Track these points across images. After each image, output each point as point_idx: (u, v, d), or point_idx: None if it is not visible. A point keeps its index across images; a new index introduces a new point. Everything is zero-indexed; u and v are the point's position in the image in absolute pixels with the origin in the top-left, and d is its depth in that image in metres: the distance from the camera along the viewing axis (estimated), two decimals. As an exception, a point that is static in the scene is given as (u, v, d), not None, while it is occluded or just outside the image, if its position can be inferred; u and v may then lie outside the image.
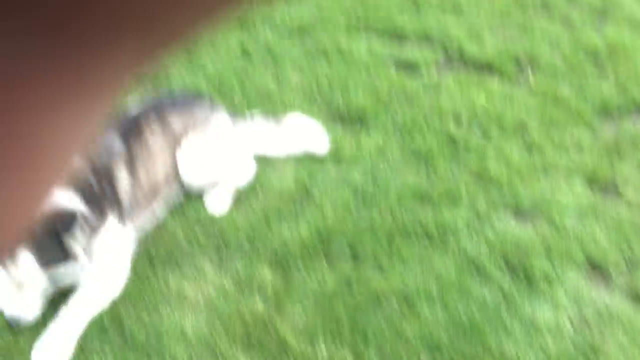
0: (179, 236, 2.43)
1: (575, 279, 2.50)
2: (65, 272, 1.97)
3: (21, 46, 0.17)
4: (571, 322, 2.31)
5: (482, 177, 2.96)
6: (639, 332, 2.31)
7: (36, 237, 1.86)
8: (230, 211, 2.58)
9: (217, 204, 2.55)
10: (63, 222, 1.89)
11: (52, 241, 1.88)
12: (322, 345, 2.09)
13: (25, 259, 1.88)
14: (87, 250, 1.98)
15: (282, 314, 2.18)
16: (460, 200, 2.81)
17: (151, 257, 2.33)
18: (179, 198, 2.63)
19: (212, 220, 2.52)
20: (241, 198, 2.65)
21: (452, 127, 3.26)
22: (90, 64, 0.18)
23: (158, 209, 2.46)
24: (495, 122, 3.33)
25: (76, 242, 1.92)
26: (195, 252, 2.38)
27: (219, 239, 2.45)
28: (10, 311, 1.94)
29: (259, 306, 2.19)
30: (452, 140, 3.18)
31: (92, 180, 2.08)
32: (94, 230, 2.01)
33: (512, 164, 3.06)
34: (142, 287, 2.22)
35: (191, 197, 2.67)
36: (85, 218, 1.96)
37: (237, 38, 3.67)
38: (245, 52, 3.57)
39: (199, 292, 2.22)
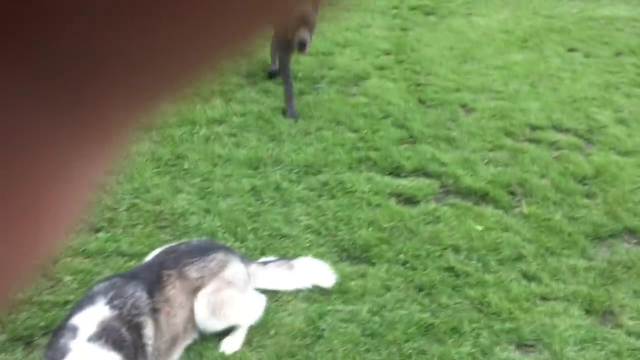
0: (197, 380, 2.56)
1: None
2: None
3: (24, 96, 0.17)
4: None
5: (484, 309, 3.11)
6: None
7: None
8: (244, 351, 2.72)
9: (231, 345, 2.71)
10: None
11: None
12: None
13: None
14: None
15: None
16: (464, 334, 2.94)
17: (170, 403, 2.45)
18: (196, 339, 2.78)
19: (227, 359, 2.66)
20: (254, 336, 2.80)
21: (452, 258, 3.45)
22: (90, 113, 0.19)
23: (177, 356, 2.61)
24: (492, 251, 3.52)
25: None
26: (212, 397, 2.50)
27: (234, 382, 2.57)
28: None
29: None
30: (453, 272, 3.36)
31: (122, 332, 2.26)
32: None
33: (511, 294, 3.22)
34: None
35: (207, 337, 2.82)
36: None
37: (248, 179, 3.97)
38: (256, 192, 3.85)
39: None
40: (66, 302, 2.82)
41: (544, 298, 3.23)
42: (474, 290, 3.23)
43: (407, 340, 2.87)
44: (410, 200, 4.00)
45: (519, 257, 3.51)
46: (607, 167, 4.41)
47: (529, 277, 3.37)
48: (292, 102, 4.76)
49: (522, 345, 2.93)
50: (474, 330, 2.96)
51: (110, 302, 2.35)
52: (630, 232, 3.81)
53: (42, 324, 2.69)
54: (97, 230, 3.38)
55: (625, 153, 4.65)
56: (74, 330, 2.21)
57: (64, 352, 2.13)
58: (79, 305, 2.36)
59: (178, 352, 2.61)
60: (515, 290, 3.25)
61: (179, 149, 4.20)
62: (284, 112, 4.75)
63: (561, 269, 3.44)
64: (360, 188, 4.01)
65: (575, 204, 4.01)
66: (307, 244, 3.46)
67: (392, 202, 3.94)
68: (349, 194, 3.95)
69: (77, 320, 2.26)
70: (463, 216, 3.84)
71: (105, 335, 2.22)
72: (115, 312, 2.32)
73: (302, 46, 4.28)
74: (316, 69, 5.57)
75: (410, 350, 2.82)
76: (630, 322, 3.09)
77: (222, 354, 2.69)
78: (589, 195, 4.13)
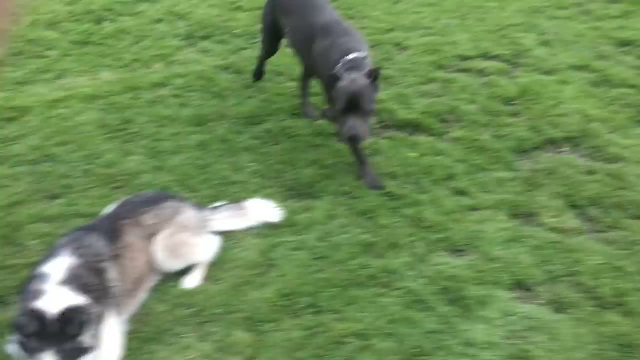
0: (161, 313, 2.83)
1: (504, 298, 2.94)
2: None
3: None
4: (502, 336, 2.73)
5: (419, 224, 3.43)
6: (563, 337, 2.73)
7: (55, 340, 2.26)
8: (204, 286, 3.00)
9: (191, 281, 2.99)
10: (76, 324, 2.30)
11: (72, 342, 2.30)
12: (295, 388, 2.48)
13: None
14: (94, 335, 2.38)
15: (258, 367, 2.57)
16: (402, 247, 3.26)
17: (139, 335, 2.72)
18: (158, 280, 3.05)
19: (189, 294, 2.94)
20: (212, 272, 3.08)
21: (389, 184, 3.75)
22: None
23: (142, 296, 2.87)
24: (426, 174, 3.84)
25: (89, 336, 2.33)
26: (178, 327, 2.78)
27: (197, 312, 2.85)
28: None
29: (238, 363, 2.58)
30: (391, 196, 3.67)
31: (87, 276, 2.50)
32: (96, 318, 2.41)
33: (444, 208, 3.55)
34: (135, 364, 2.60)
35: (169, 277, 3.08)
36: (89, 312, 2.36)
37: (195, 135, 4.17)
38: (203, 147, 4.06)
39: (184, 360, 2.61)
40: (34, 264, 3.03)
41: (474, 209, 3.57)
42: (410, 209, 3.55)
43: (351, 259, 3.19)
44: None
45: (451, 176, 3.83)
46: (530, 87, 4.73)
47: (459, 193, 3.70)
48: (368, 170, 3.79)
49: (454, 250, 3.27)
50: (410, 242, 3.29)
51: (74, 252, 2.59)
52: (552, 142, 4.15)
53: (13, 284, 2.91)
54: (55, 197, 3.57)
55: (548, 72, 4.97)
56: (45, 276, 2.45)
57: (38, 295, 2.37)
58: (47, 257, 2.59)
59: (143, 292, 2.88)
60: (447, 205, 3.58)
61: (126, 114, 4.36)
62: (370, 186, 3.74)
63: (489, 182, 3.78)
64: (303, 132, 4.25)
65: (501, 123, 4.33)
66: (256, 188, 3.71)
67: (334, 141, 4.20)
68: (292, 138, 4.20)
69: (46, 268, 2.50)
70: (399, 146, 4.13)
71: (74, 279, 2.46)
72: (80, 260, 2.56)
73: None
74: (255, 24, 5.70)
75: (354, 266, 3.13)
76: (550, 220, 3.46)
77: (185, 289, 2.97)
78: (514, 114, 4.45)
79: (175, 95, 4.64)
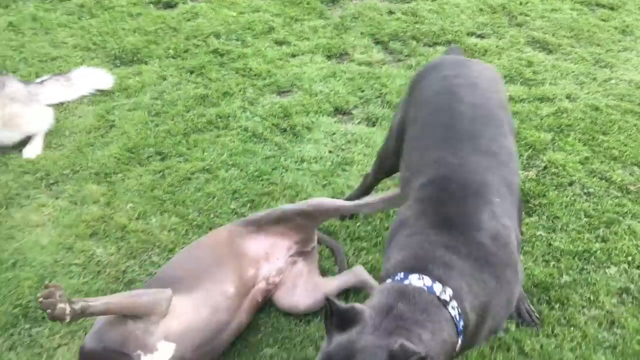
0: (10, 182, 2.87)
1: (328, 122, 3.37)
2: None
3: None
4: (328, 150, 3.18)
5: (247, 73, 3.71)
6: (374, 142, 3.24)
7: None
8: (46, 153, 3.06)
9: (31, 150, 3.03)
10: None
11: None
12: (154, 220, 2.73)
13: None
14: None
15: (116, 210, 2.77)
16: (233, 94, 3.53)
17: (-10, 205, 2.77)
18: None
19: (32, 162, 2.99)
20: (52, 140, 3.13)
21: (214, 42, 3.94)
22: None
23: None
24: (247, 30, 4.07)
25: None
26: (28, 190, 2.85)
27: (44, 176, 2.93)
28: None
29: (95, 210, 2.76)
30: (218, 53, 3.87)
31: None
32: None
33: (267, 58, 3.84)
34: (-8, 229, 2.67)
35: (8, 151, 3.09)
36: None
37: (1, 17, 3.95)
38: (13, 27, 3.88)
39: (42, 216, 2.72)
40: None
41: (293, 55, 3.91)
42: (237, 62, 3.80)
43: (187, 111, 3.40)
44: (168, 4, 4.32)
45: (270, 29, 4.11)
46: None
47: (280, 43, 4.01)
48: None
49: (281, 92, 3.61)
50: (241, 90, 3.57)
51: None
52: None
53: None
54: None
55: None
56: None
57: None
58: None
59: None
60: (270, 54, 3.87)
61: None
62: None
63: (305, 31, 4.12)
64: (119, 2, 4.20)
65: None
66: (79, 60, 3.70)
67: (152, 9, 4.22)
68: (109, 10, 4.15)
69: None
70: (218, 8, 4.28)
71: None
72: None
73: None
74: None
75: (192, 116, 3.36)
76: (360, 56, 3.91)
77: (27, 159, 3.00)
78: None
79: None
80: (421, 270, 1.54)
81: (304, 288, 2.31)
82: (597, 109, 3.42)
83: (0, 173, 2.94)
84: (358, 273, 2.38)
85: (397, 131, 2.18)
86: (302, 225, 2.35)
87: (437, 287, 1.50)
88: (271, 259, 2.30)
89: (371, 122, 3.40)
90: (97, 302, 1.85)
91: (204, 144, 3.18)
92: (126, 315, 1.88)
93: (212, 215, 2.75)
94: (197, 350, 1.98)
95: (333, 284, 2.36)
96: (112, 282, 2.44)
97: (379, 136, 3.24)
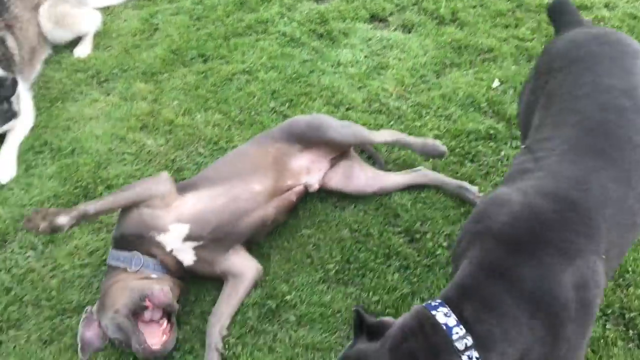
0: (64, 79, 3.06)
1: (364, 28, 3.43)
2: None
3: None
4: (364, 55, 3.26)
5: None
6: (412, 49, 3.31)
7: None
8: (96, 53, 3.22)
9: (82, 50, 3.20)
10: (8, 87, 2.54)
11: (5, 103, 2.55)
12: (198, 116, 2.90)
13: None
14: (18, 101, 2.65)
15: (163, 106, 2.94)
16: (272, 1, 3.61)
17: (45, 96, 2.97)
18: (51, 53, 3.24)
19: (84, 62, 3.16)
20: (100, 42, 3.29)
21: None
22: None
23: (39, 66, 3.06)
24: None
25: (17, 102, 2.57)
26: (81, 87, 3.04)
27: (95, 74, 3.11)
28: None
29: (144, 105, 2.94)
30: None
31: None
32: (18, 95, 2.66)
33: None
34: (49, 121, 2.88)
35: (61, 51, 3.27)
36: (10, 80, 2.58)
37: None
38: None
39: (95, 110, 2.92)
40: None
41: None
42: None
43: (227, 16, 3.51)
44: None
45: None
46: None
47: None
48: None
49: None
50: (279, -3, 3.64)
51: None
52: None
53: None
54: None
55: None
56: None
57: None
58: None
59: (39, 63, 3.07)
60: None
61: None
62: None
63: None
64: None
65: None
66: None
67: None
68: None
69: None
70: None
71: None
72: None
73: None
74: None
75: (232, 21, 3.46)
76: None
77: (78, 58, 3.18)
78: None
79: None
80: (455, 306, 1.40)
81: (364, 176, 2.45)
82: (635, 17, 3.40)
83: (55, 71, 3.13)
84: (426, 173, 2.49)
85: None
86: (346, 146, 2.48)
87: (457, 332, 1.36)
88: (312, 172, 2.42)
89: (407, 29, 3.45)
90: (92, 204, 2.06)
91: (243, 47, 3.29)
92: (133, 206, 2.09)
93: (252, 113, 2.91)
94: (214, 231, 2.14)
95: (397, 178, 2.49)
96: (162, 170, 2.65)
97: (414, 42, 3.31)
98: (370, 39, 3.36)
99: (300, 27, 3.42)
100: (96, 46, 3.27)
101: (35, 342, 2.07)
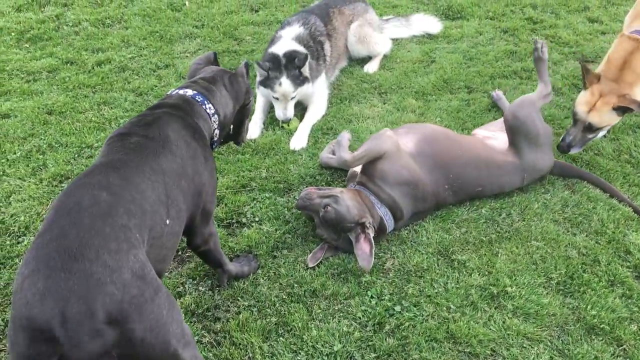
0: (353, 85, 3.76)
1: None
2: (303, 91, 3.35)
3: None
4: None
5: (556, 41, 4.09)
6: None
7: (286, 69, 3.25)
8: (381, 72, 3.88)
9: (371, 67, 3.88)
10: (299, 59, 3.27)
11: (296, 72, 3.28)
12: (455, 134, 3.34)
13: (285, 81, 3.27)
14: (312, 78, 3.36)
15: (427, 119, 3.45)
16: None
17: (337, 95, 3.67)
18: (347, 65, 4.00)
19: (370, 76, 3.83)
20: (386, 64, 3.94)
21: (531, 11, 4.39)
22: None
23: (337, 71, 3.81)
24: (563, 5, 4.42)
25: (307, 71, 3.31)
26: (364, 93, 3.70)
27: (377, 86, 3.75)
28: (280, 114, 3.36)
29: (412, 116, 3.47)
30: (531, 20, 4.31)
31: (311, 43, 3.46)
32: (312, 65, 3.38)
33: (577, 31, 4.16)
34: (337, 113, 3.56)
35: (354, 65, 4.00)
36: (307, 57, 3.32)
37: None
38: None
39: (373, 112, 3.53)
40: (252, 51, 4.03)
41: (603, 33, 4.16)
42: (548, 30, 4.19)
43: (496, 61, 3.93)
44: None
45: (585, 8, 4.40)
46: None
47: (592, 20, 4.28)
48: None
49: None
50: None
51: (302, 25, 3.54)
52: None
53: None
54: (257, 11, 4.53)
55: None
56: (281, 37, 3.43)
57: (275, 42, 3.37)
58: (282, 26, 3.56)
59: (338, 69, 3.82)
60: (580, 28, 4.18)
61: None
62: None
63: (619, 13, 4.31)
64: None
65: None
66: (411, 11, 4.47)
67: (479, -21, 4.81)
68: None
69: (281, 33, 3.47)
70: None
71: (300, 39, 3.42)
72: (306, 31, 3.51)
73: None
74: None
75: (499, 65, 3.87)
76: None
77: (367, 72, 3.87)
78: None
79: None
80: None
81: None
82: None
83: (347, 78, 3.85)
84: None
85: None
86: None
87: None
88: None
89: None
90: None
91: (506, 87, 3.68)
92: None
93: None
94: None
95: None
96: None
97: None
98: None
99: (563, 79, 3.71)
100: (382, 66, 3.93)
101: (300, 264, 2.62)
